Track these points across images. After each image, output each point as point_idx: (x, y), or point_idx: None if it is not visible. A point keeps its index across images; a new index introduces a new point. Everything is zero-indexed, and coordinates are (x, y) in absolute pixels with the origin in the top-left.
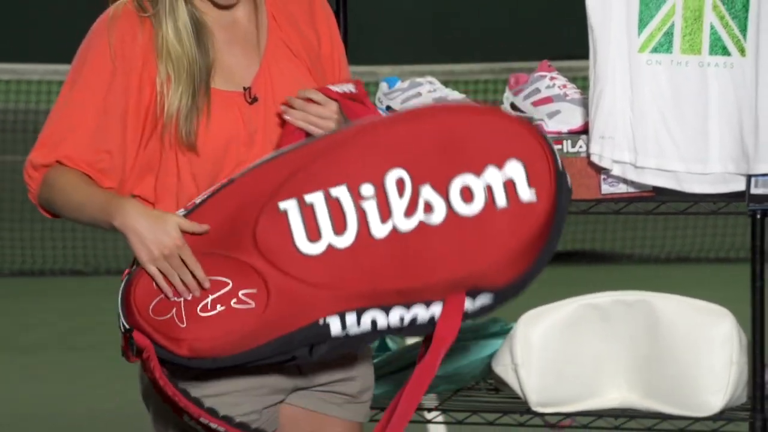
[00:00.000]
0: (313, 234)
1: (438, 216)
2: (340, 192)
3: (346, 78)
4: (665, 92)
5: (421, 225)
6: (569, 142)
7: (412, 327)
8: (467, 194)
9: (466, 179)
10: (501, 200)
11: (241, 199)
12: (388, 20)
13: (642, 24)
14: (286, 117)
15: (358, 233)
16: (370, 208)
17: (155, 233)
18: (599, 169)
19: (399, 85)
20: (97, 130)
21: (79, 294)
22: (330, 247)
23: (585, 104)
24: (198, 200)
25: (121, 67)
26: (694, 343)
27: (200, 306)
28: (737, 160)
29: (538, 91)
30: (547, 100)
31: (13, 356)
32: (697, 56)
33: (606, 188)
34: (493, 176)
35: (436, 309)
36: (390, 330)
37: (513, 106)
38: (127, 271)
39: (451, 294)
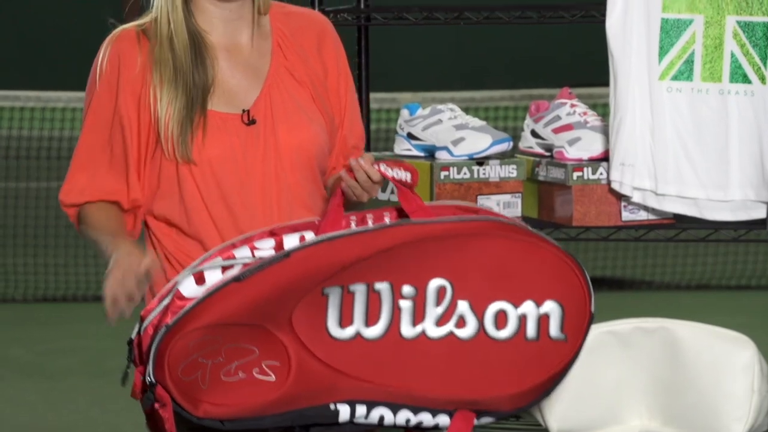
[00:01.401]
0: (346, 319)
1: (468, 332)
2: (383, 287)
3: (353, 107)
4: (686, 119)
5: (450, 337)
6: (590, 169)
7: (417, 429)
8: (501, 319)
9: (503, 305)
10: (532, 333)
11: (292, 278)
12: (409, 47)
13: (662, 52)
14: (343, 174)
15: (388, 329)
16: (406, 308)
17: (126, 258)
18: (620, 196)
19: (420, 111)
20: (110, 165)
21: (102, 320)
22: (358, 336)
23: (605, 131)
24: (254, 267)
25: (122, 96)
26: (714, 370)
27: (224, 370)
28: (758, 188)
29: (558, 118)
30: (568, 127)
31: (38, 382)
32: (718, 84)
33: (626, 215)
34: (530, 309)
35: (442, 419)
36: (394, 426)
37: (534, 133)
38: (155, 321)
39: (462, 411)
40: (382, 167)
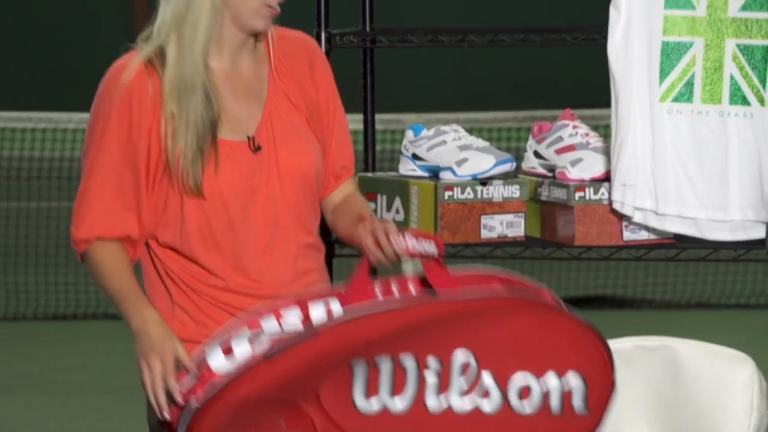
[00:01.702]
0: (372, 392)
1: (493, 406)
2: (408, 359)
3: (341, 127)
4: (686, 141)
5: (475, 411)
6: (591, 189)
7: None
8: (525, 392)
9: (527, 377)
10: (556, 407)
11: (320, 354)
12: (414, 69)
13: (663, 74)
14: (368, 244)
15: (414, 401)
16: (431, 379)
17: (161, 345)
18: (621, 216)
19: (424, 132)
20: (117, 198)
21: (111, 337)
22: (385, 409)
23: (607, 152)
24: (282, 345)
25: (135, 133)
26: (714, 388)
27: None
28: (757, 208)
29: (561, 139)
30: (570, 148)
31: (50, 398)
32: (718, 106)
33: (628, 235)
34: (554, 382)
35: None
36: None
37: (536, 154)
38: (185, 393)
39: None
40: (409, 242)
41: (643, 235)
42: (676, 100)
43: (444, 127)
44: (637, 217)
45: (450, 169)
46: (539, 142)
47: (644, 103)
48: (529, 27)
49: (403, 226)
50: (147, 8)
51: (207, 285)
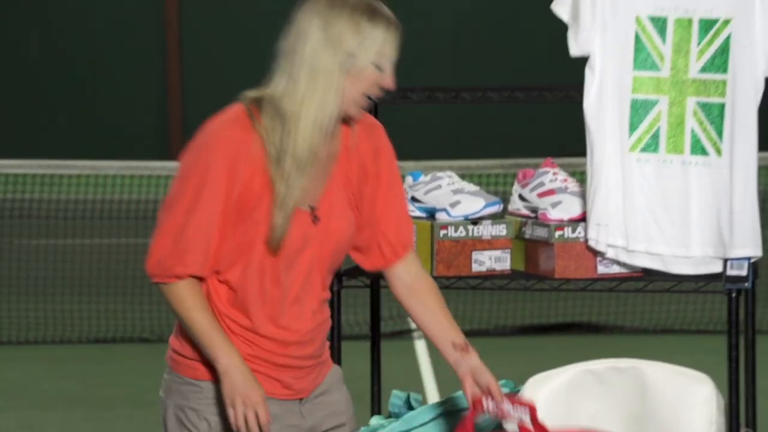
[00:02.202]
0: None
1: None
2: None
3: (401, 205)
4: (653, 186)
5: None
6: (570, 228)
7: None
8: None
9: None
10: None
11: None
12: (413, 122)
13: (632, 127)
14: (474, 404)
15: None
16: None
17: (245, 387)
18: (596, 252)
19: (422, 178)
20: (210, 240)
21: (146, 358)
22: None
23: (583, 196)
24: None
25: (234, 184)
26: (678, 404)
27: None
28: (715, 246)
29: (542, 184)
30: (551, 192)
31: (90, 411)
32: (680, 155)
33: (601, 269)
34: None
35: None
36: None
37: (521, 197)
38: None
39: None
40: (508, 409)
41: (615, 269)
42: (643, 150)
43: (439, 173)
44: (610, 253)
45: (445, 210)
46: (523, 186)
47: (616, 153)
48: (514, 86)
49: None
50: (179, 76)
51: (240, 326)
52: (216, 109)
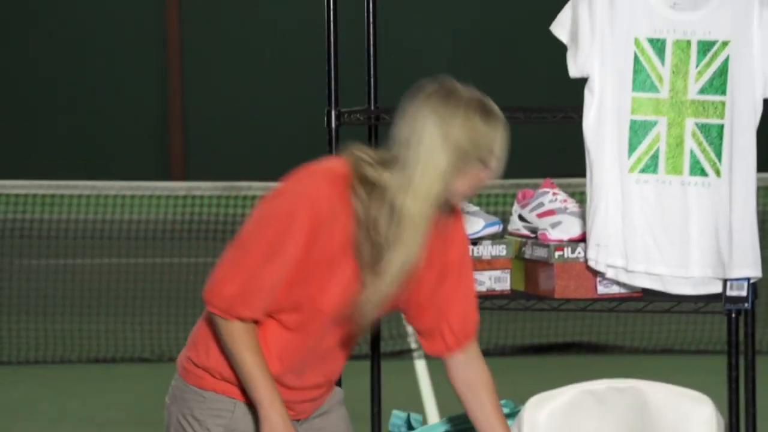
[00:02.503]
0: None
1: None
2: None
3: (469, 290)
4: (652, 207)
5: None
6: (569, 248)
7: None
8: None
9: None
10: None
11: None
12: None
13: (632, 148)
14: None
15: None
16: None
17: (282, 429)
18: (595, 273)
19: None
20: (275, 292)
21: (146, 378)
22: None
23: (583, 216)
24: None
25: (311, 241)
26: (678, 424)
27: None
28: (714, 266)
29: (542, 204)
30: (551, 212)
31: (90, 430)
32: (680, 176)
33: (601, 289)
34: None
35: None
36: None
37: (521, 218)
38: None
39: None
40: None
41: (615, 289)
42: (643, 171)
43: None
44: (610, 274)
45: None
46: (523, 207)
47: (615, 174)
48: (515, 106)
49: None
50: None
51: (271, 368)
52: (216, 130)
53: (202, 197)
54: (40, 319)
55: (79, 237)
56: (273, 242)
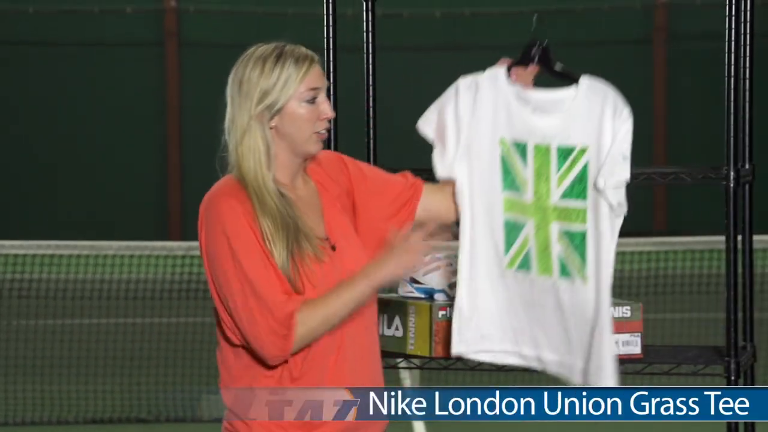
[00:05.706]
0: None
1: None
2: None
3: (377, 174)
4: (533, 299)
5: None
6: None
7: None
8: None
9: None
10: None
11: None
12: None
13: (507, 245)
14: None
15: None
16: None
17: (389, 267)
18: None
19: None
20: (275, 276)
21: None
22: None
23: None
24: None
25: (256, 236)
26: None
27: None
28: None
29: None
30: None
31: None
32: (550, 278)
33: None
34: None
35: None
36: None
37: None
38: None
39: None
40: None
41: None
42: (519, 268)
43: (437, 255)
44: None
45: (443, 291)
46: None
47: (494, 269)
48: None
49: (401, 341)
50: (179, 157)
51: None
52: None
53: (200, 257)
54: (37, 380)
55: (78, 297)
56: (236, 263)
